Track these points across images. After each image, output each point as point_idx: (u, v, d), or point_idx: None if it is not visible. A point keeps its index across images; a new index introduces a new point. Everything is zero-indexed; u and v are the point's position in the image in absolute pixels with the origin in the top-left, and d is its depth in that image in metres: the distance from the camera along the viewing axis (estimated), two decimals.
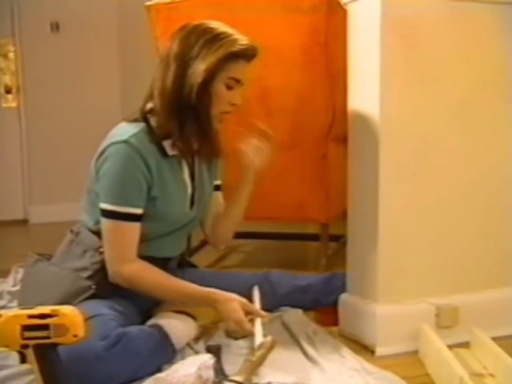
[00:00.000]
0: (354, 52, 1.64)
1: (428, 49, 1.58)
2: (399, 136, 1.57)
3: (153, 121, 1.58)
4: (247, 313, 1.52)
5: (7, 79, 3.93)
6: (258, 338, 1.47)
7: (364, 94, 1.61)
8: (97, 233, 1.59)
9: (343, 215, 1.79)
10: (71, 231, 1.68)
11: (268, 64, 2.26)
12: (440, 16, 1.58)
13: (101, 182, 1.55)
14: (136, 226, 1.55)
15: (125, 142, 1.52)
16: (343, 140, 1.78)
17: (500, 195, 1.71)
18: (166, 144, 1.58)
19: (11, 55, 3.91)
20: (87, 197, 1.64)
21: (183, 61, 1.55)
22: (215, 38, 1.54)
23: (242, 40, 1.56)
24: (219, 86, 1.56)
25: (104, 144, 1.57)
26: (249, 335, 1.49)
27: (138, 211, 1.54)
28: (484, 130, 1.67)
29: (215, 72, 1.54)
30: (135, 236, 1.55)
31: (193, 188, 1.68)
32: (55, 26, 3.91)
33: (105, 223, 1.54)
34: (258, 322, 1.52)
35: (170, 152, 1.59)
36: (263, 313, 1.56)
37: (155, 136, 1.57)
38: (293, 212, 2.38)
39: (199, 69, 1.53)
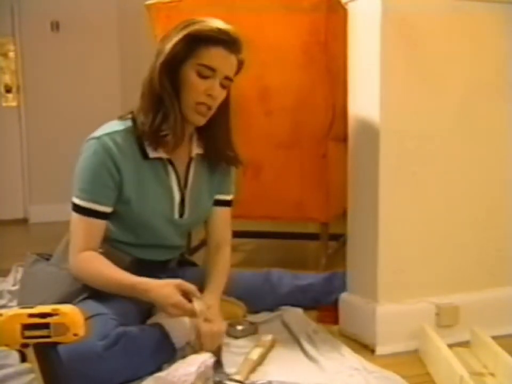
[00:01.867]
0: (354, 51, 1.64)
1: (428, 48, 1.58)
2: (399, 136, 1.57)
3: (138, 120, 1.56)
4: (185, 293, 1.41)
5: (7, 79, 3.94)
6: (199, 307, 1.38)
7: (364, 93, 1.61)
8: None
9: (343, 214, 1.79)
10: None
11: (267, 63, 2.27)
12: (441, 15, 1.58)
13: (74, 176, 1.56)
14: (97, 223, 1.53)
15: (97, 138, 1.52)
16: (343, 139, 1.78)
17: (499, 194, 1.71)
18: (147, 145, 1.55)
19: (11, 54, 3.91)
20: None
21: (158, 52, 1.53)
22: (189, 24, 1.51)
23: (213, 24, 1.49)
24: (189, 73, 1.50)
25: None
26: (190, 315, 1.39)
27: (102, 208, 1.52)
28: (484, 129, 1.67)
29: (180, 55, 1.49)
30: (96, 232, 1.53)
31: (182, 194, 1.63)
32: (55, 26, 3.92)
33: (71, 216, 1.54)
34: (196, 300, 1.41)
35: (152, 154, 1.56)
36: (198, 293, 1.45)
37: (139, 137, 1.54)
38: (293, 211, 2.38)
39: (164, 49, 1.51)
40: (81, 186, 1.52)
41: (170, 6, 2.34)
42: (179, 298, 1.38)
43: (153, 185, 1.58)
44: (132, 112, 1.58)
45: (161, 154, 1.57)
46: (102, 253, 1.56)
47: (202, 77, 1.51)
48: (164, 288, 1.40)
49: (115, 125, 1.56)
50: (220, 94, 1.54)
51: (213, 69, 1.51)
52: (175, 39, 1.50)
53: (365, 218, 1.62)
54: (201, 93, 1.51)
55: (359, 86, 1.64)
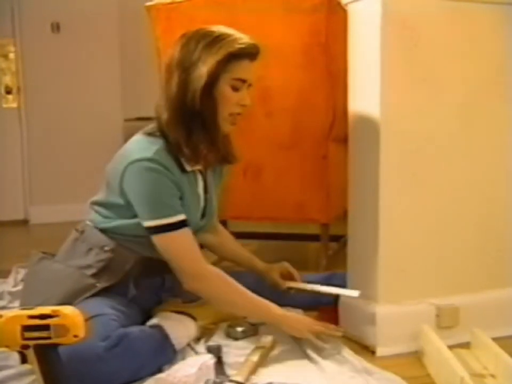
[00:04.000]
0: (354, 52, 1.64)
1: (428, 49, 1.58)
2: (399, 136, 1.57)
3: (170, 136, 1.57)
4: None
5: (8, 80, 3.94)
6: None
7: (364, 94, 1.61)
8: (105, 231, 1.59)
9: (344, 216, 1.79)
10: (76, 230, 1.68)
11: (268, 64, 2.25)
12: (441, 16, 1.58)
13: (136, 201, 1.53)
14: (190, 231, 1.56)
15: (148, 159, 1.51)
16: (343, 140, 1.78)
17: (499, 195, 1.71)
18: (183, 160, 1.58)
19: (12, 55, 3.91)
20: (105, 202, 1.62)
21: (185, 67, 1.54)
22: (214, 40, 1.54)
23: (242, 39, 1.55)
24: (224, 88, 1.55)
25: (125, 160, 1.54)
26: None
27: (184, 216, 1.55)
28: (484, 130, 1.67)
29: (217, 74, 1.53)
30: (195, 240, 1.56)
31: (206, 200, 1.69)
32: (56, 27, 3.92)
33: (162, 238, 1.52)
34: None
35: (188, 168, 1.59)
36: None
37: (174, 153, 1.56)
38: (293, 212, 2.38)
39: (200, 72, 1.52)
40: (163, 205, 1.52)
41: (171, 7, 2.35)
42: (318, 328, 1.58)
43: (189, 195, 1.61)
44: (159, 127, 1.58)
45: (195, 167, 1.62)
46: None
47: (235, 89, 1.56)
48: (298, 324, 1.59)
49: (150, 143, 1.55)
50: (250, 101, 1.61)
51: (244, 81, 1.57)
52: (212, 60, 1.52)
53: (366, 219, 1.62)
54: (235, 104, 1.58)
55: (359, 87, 1.64)
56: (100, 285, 1.54)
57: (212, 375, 1.36)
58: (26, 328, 1.11)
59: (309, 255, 2.86)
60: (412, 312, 1.61)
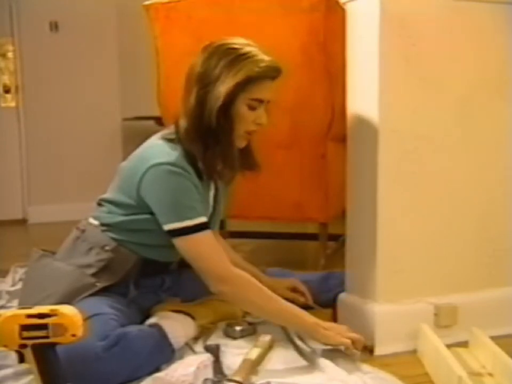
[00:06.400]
0: (353, 51, 1.64)
1: (427, 48, 1.58)
2: (398, 136, 1.57)
3: (187, 146, 1.57)
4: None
5: (6, 79, 3.94)
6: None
7: (363, 93, 1.61)
8: (108, 226, 1.60)
9: (342, 215, 1.79)
10: (77, 228, 1.68)
11: None
12: (439, 15, 1.58)
13: (157, 204, 1.53)
14: (211, 233, 1.55)
15: (173, 164, 1.51)
16: (342, 139, 1.78)
17: (498, 194, 1.71)
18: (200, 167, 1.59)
19: (10, 54, 3.91)
20: (114, 201, 1.61)
21: (204, 84, 1.54)
22: (236, 59, 1.53)
23: (263, 62, 1.54)
24: (241, 108, 1.55)
25: (145, 163, 1.53)
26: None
27: (206, 219, 1.55)
28: (483, 129, 1.67)
29: (234, 95, 1.52)
30: (216, 241, 1.55)
31: (214, 209, 1.69)
32: (54, 26, 3.92)
33: (187, 241, 1.51)
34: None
35: (205, 176, 1.60)
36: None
37: (192, 159, 1.56)
38: (292, 211, 2.38)
39: (218, 92, 1.52)
40: (186, 207, 1.51)
41: (169, 6, 2.34)
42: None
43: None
44: (177, 132, 1.58)
45: (204, 174, 1.61)
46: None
47: (252, 108, 1.56)
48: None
49: (170, 149, 1.55)
50: (266, 119, 1.60)
51: (262, 101, 1.57)
52: (231, 81, 1.51)
53: (364, 218, 1.62)
54: (251, 123, 1.58)
55: (358, 86, 1.64)
56: (100, 284, 1.54)
57: (210, 375, 1.36)
58: (25, 328, 1.11)
59: (308, 254, 2.86)
60: (410, 311, 1.61)
